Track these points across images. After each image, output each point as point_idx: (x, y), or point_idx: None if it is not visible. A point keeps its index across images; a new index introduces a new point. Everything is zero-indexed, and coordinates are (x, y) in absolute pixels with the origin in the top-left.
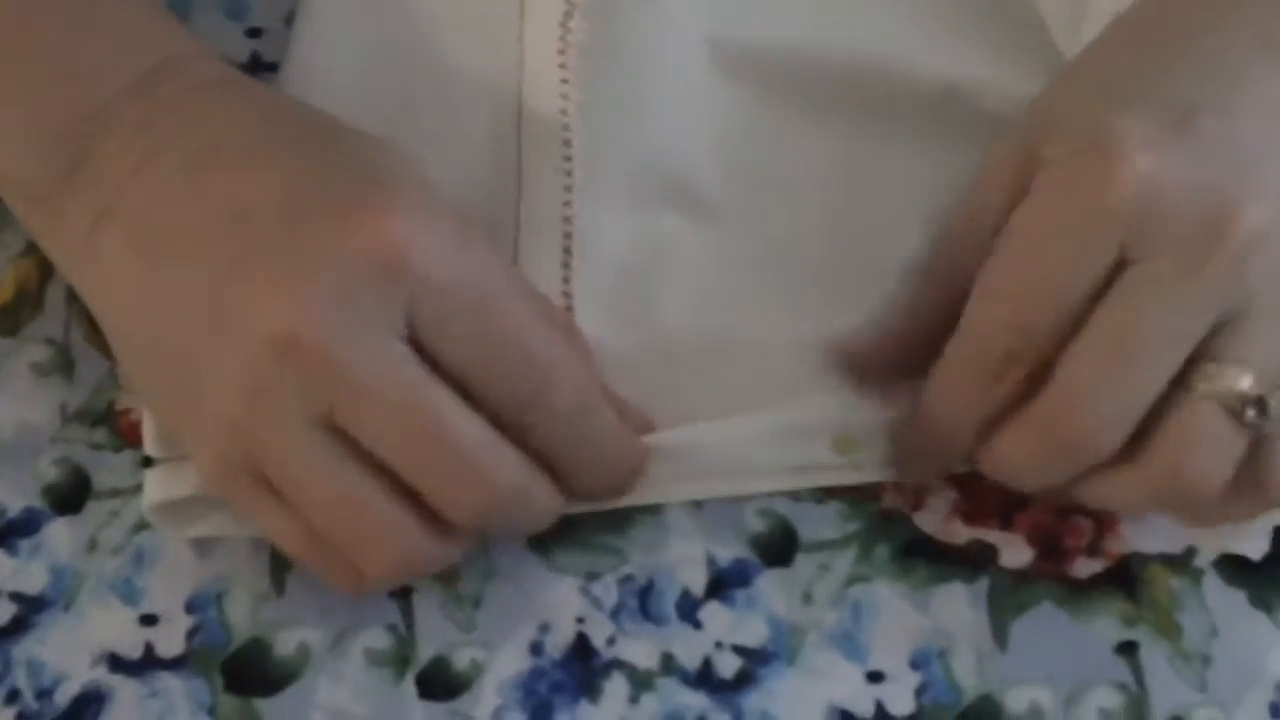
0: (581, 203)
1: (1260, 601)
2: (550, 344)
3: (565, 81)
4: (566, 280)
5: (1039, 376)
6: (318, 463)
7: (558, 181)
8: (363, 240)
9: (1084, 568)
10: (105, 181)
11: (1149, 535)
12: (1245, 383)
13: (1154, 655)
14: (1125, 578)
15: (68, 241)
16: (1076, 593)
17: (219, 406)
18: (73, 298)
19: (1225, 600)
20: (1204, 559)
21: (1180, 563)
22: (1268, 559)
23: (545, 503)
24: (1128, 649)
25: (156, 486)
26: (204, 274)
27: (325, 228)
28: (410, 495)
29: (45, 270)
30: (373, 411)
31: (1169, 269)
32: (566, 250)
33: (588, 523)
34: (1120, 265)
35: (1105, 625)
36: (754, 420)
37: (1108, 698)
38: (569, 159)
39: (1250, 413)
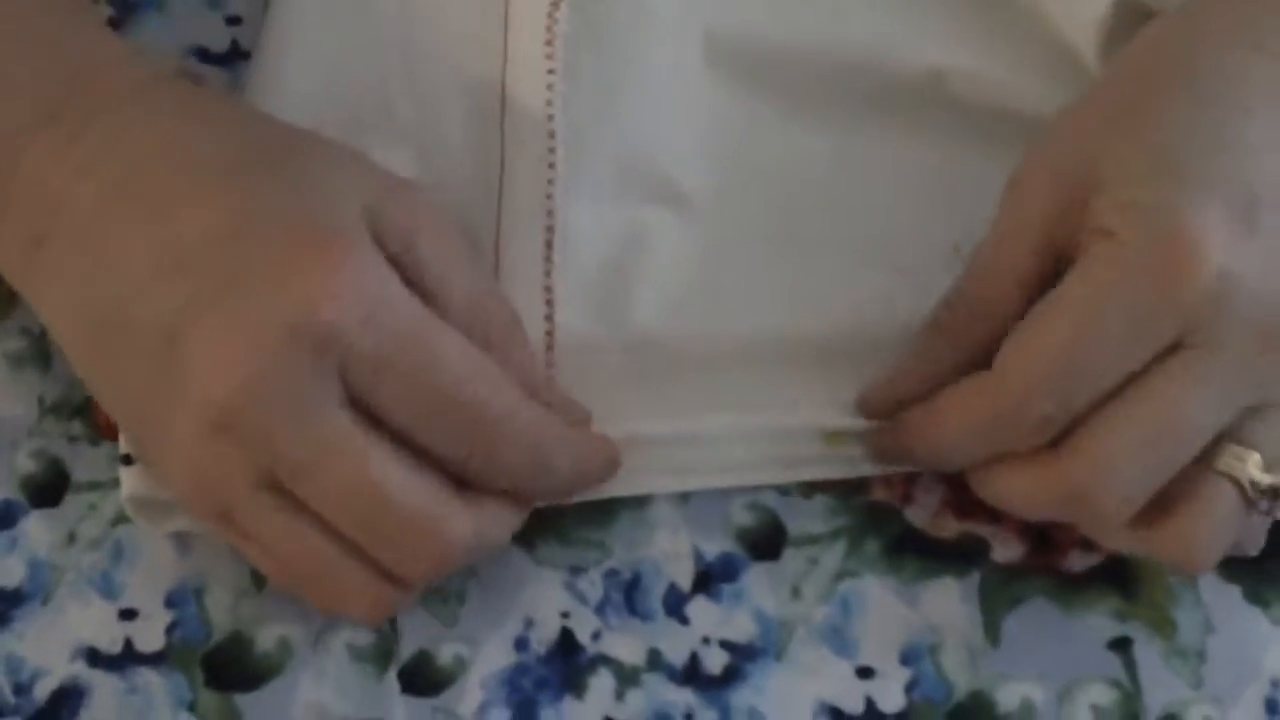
0: (564, 197)
1: (1256, 597)
2: (495, 397)
3: (551, 73)
4: (548, 274)
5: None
6: (274, 522)
7: (540, 175)
8: (294, 313)
9: (1077, 562)
10: (38, 200)
11: None
12: (1261, 468)
13: (1148, 651)
14: (1119, 573)
15: (8, 260)
16: (1069, 588)
17: (177, 458)
18: None
19: (1221, 596)
20: None
21: None
22: (1264, 554)
23: (503, 536)
24: (1121, 645)
25: (134, 482)
26: (147, 323)
27: (258, 293)
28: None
29: None
30: (315, 484)
31: (1221, 362)
32: (548, 244)
33: (571, 516)
34: (1172, 346)
35: (1098, 621)
36: (742, 419)
37: (1101, 694)
38: (552, 151)
39: (1264, 503)
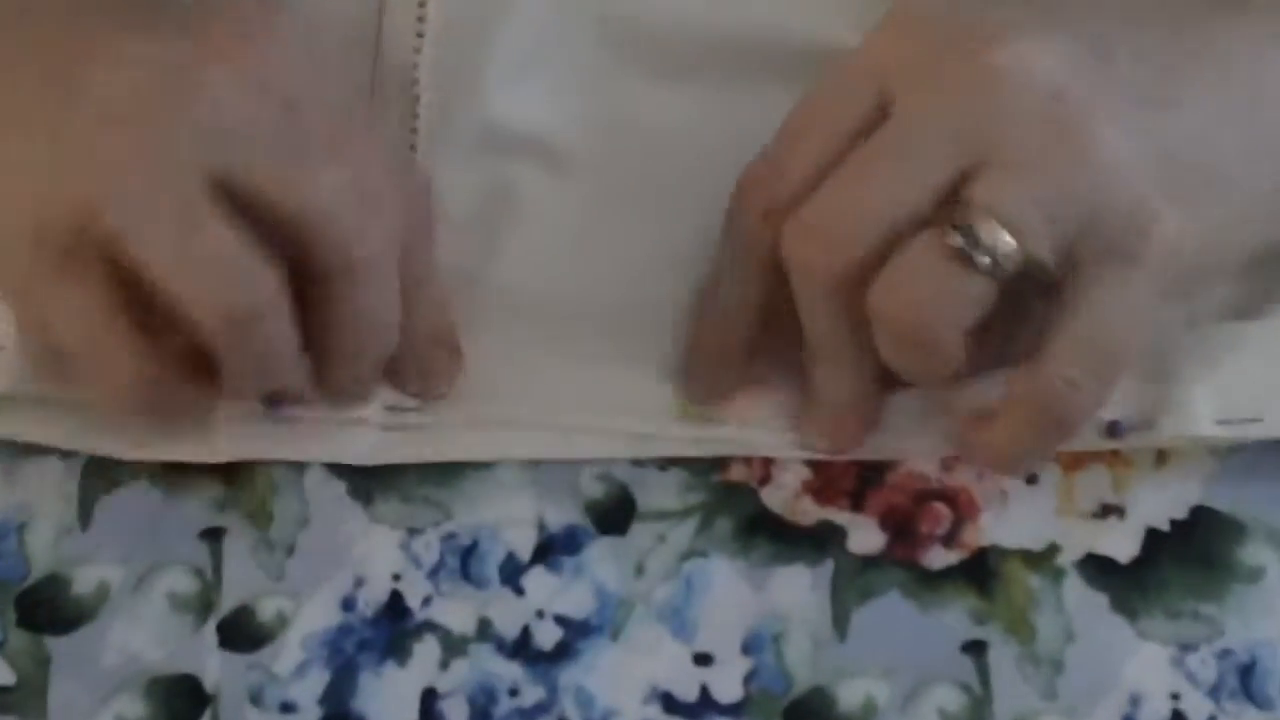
0: (426, 156)
1: (1122, 607)
2: (366, 208)
3: (420, 35)
4: None
5: None
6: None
7: (404, 135)
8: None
9: (937, 558)
10: None
11: (1011, 528)
12: (979, 220)
13: (1003, 656)
14: (981, 571)
15: None
16: (926, 584)
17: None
18: None
19: (1085, 603)
20: (1067, 558)
21: (1041, 560)
22: (1135, 562)
23: (284, 353)
24: (975, 648)
25: None
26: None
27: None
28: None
29: None
30: (145, 219)
31: (913, 99)
32: None
33: (413, 473)
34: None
35: (954, 620)
36: (590, 371)
37: (948, 698)
38: (416, 116)
39: (956, 238)
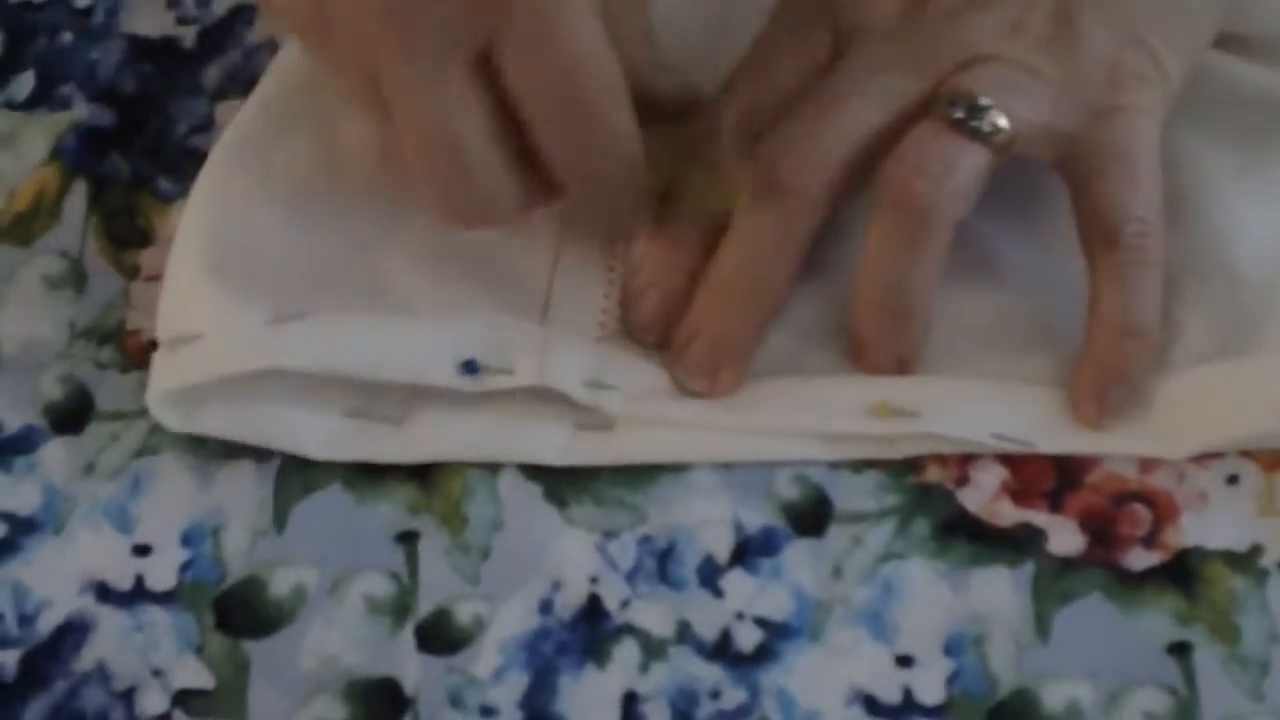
0: None
1: None
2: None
3: None
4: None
5: None
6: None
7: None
8: None
9: (1138, 559)
10: None
11: (1212, 529)
12: (972, 95)
13: (1208, 658)
14: (1182, 573)
15: None
16: (1128, 585)
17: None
18: (91, 210)
19: None
20: (1270, 558)
21: (1243, 561)
22: None
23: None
24: (1180, 650)
25: (165, 372)
26: None
27: None
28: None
29: (65, 180)
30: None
31: (869, 37)
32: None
33: (607, 477)
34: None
35: (1157, 622)
36: (785, 384)
37: (1154, 700)
38: None
39: (958, 112)
